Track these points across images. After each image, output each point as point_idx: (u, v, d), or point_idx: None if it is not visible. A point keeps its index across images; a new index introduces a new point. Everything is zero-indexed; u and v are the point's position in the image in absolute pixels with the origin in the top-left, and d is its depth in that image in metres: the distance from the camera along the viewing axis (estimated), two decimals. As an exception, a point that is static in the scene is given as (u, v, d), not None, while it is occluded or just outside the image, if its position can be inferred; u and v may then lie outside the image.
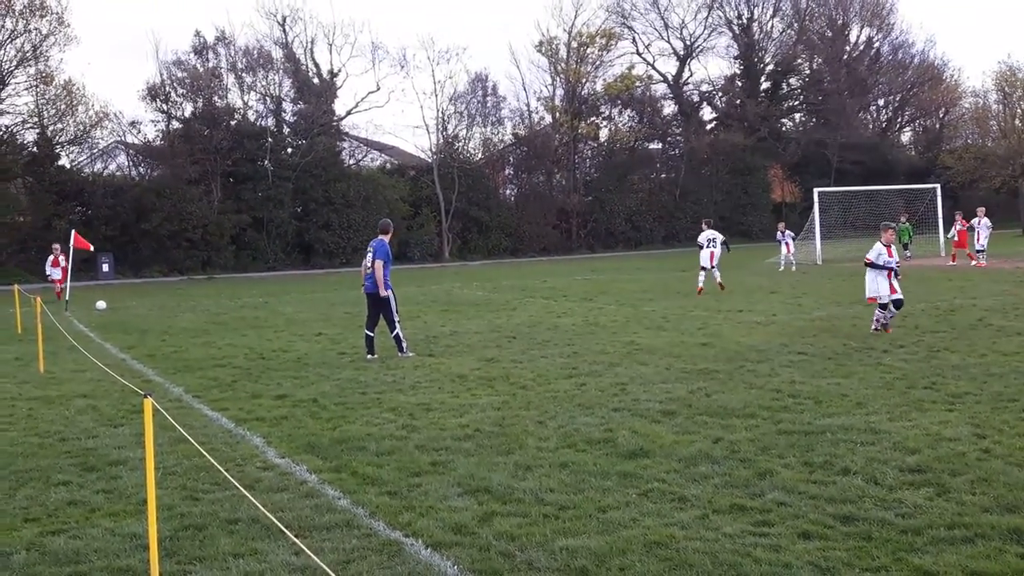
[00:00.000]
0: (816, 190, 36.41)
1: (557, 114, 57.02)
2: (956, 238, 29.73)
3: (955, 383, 9.56)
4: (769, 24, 65.53)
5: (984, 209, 29.13)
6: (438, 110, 52.98)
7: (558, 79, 57.91)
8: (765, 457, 7.01)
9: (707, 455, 7.11)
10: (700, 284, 22.37)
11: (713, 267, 22.75)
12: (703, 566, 4.96)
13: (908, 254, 30.83)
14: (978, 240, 28.22)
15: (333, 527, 5.80)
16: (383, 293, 12.97)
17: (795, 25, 66.21)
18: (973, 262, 28.10)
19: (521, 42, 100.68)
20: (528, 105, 59.17)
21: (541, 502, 6.14)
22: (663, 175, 60.87)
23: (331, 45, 52.33)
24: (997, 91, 62.68)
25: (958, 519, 5.47)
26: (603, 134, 59.82)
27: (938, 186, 37.81)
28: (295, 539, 4.54)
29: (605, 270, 35.42)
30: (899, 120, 73.90)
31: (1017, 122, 59.37)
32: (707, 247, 22.75)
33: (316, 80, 50.95)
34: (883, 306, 13.77)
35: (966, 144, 63.90)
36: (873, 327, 13.79)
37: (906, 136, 75.47)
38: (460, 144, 53.94)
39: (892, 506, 5.75)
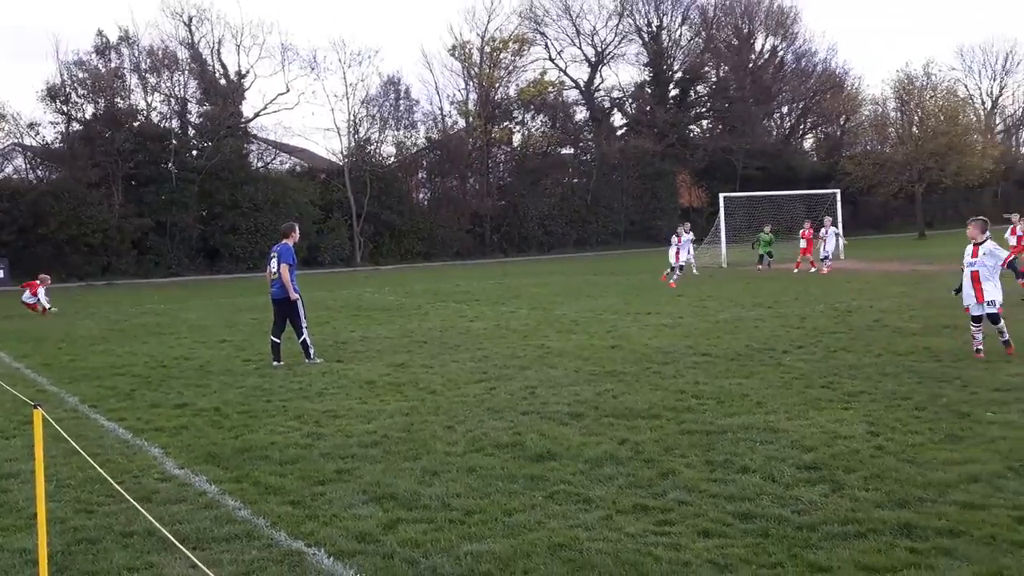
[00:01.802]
0: (722, 195, 37.29)
1: (471, 118, 57.14)
2: (804, 244, 30.03)
3: (851, 382, 9.90)
4: (678, 32, 67.02)
5: (831, 219, 30.32)
6: (349, 113, 52.53)
7: (471, 83, 58.08)
8: (668, 457, 7.13)
9: (612, 456, 7.20)
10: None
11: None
12: (605, 567, 5.01)
13: (761, 267, 31.25)
14: (824, 248, 28.99)
15: (232, 538, 5.67)
16: (292, 296, 12.78)
17: (703, 33, 67.76)
18: (813, 269, 28.88)
19: (434, 46, 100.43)
20: (442, 109, 59.22)
21: (447, 507, 6.12)
22: (575, 180, 61.51)
23: (239, 46, 51.30)
24: (895, 99, 65.28)
25: (851, 515, 5.65)
26: (516, 139, 60.18)
27: (838, 191, 39.07)
28: (189, 553, 4.42)
29: (517, 274, 35.59)
30: (802, 127, 76.24)
31: (914, 129, 61.89)
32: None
33: (223, 81, 49.89)
34: (976, 319, 11.33)
35: (865, 150, 66.32)
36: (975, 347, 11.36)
37: (808, 142, 77.91)
38: (372, 147, 53.53)
39: (789, 503, 5.91)
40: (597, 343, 13.95)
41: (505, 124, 58.90)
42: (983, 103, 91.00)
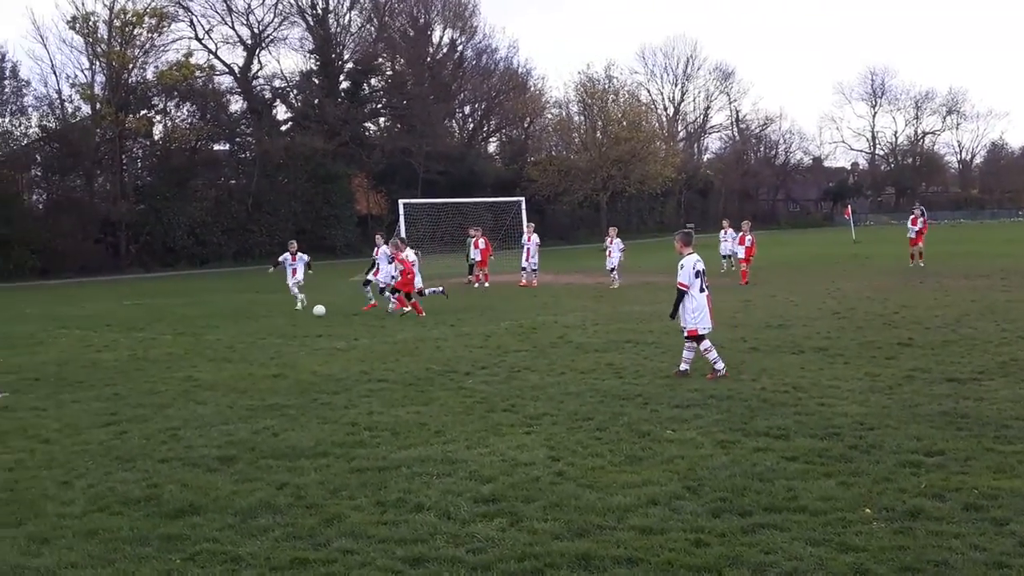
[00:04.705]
0: (401, 201, 37.98)
1: (98, 105, 53.71)
2: (479, 258, 30.83)
3: (534, 404, 10.46)
4: (347, 17, 67.44)
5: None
6: (-65, 94, 47.44)
7: (98, 63, 54.61)
8: (334, 500, 7.11)
9: (269, 504, 7.05)
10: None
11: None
12: (256, 635, 4.89)
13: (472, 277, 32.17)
14: (527, 258, 30.21)
15: None
16: None
17: (375, 20, 68.77)
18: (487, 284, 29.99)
19: (49, 15, 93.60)
20: (60, 92, 55.11)
21: (59, 583, 5.68)
22: (232, 181, 59.94)
23: None
24: (578, 102, 70.35)
25: (529, 549, 5.94)
26: (158, 131, 57.53)
27: (523, 199, 41.18)
28: None
29: (162, 293, 33.96)
30: (485, 129, 79.83)
31: (598, 134, 66.95)
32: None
33: None
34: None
35: (550, 156, 70.75)
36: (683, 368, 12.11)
37: (493, 146, 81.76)
38: (-33, 138, 48.79)
39: (464, 541, 6.11)
40: (257, 372, 13.64)
41: (143, 113, 56.07)
42: (666, 109, 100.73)
